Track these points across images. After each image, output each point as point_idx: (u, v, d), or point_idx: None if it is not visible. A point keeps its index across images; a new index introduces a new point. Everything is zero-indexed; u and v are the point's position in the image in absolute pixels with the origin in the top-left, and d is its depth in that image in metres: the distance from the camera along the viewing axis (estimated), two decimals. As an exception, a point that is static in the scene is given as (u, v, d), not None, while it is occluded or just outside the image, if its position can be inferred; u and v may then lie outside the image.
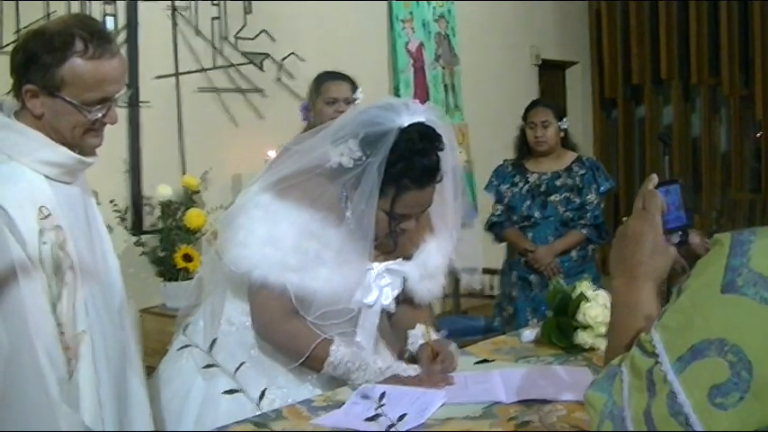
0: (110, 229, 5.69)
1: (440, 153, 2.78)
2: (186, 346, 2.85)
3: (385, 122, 2.73)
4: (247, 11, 6.72)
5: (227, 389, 1.74)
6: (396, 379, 2.72)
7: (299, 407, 2.53)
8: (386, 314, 3.09)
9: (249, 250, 2.75)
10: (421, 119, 2.77)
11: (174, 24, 6.41)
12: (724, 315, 1.35)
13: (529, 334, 3.25)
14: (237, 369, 1.54)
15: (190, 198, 6.03)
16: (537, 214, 5.81)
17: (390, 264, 2.98)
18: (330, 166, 2.76)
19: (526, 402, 2.49)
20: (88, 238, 2.59)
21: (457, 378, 2.78)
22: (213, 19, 6.60)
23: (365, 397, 2.31)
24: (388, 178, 2.72)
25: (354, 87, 5.19)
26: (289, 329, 2.79)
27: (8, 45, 5.44)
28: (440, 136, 2.79)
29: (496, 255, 6.24)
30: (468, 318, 6.93)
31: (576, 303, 3.10)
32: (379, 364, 2.77)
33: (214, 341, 1.69)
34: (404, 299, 3.09)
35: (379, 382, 2.69)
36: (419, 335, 2.99)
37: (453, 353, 2.95)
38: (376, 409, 1.52)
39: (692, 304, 1.40)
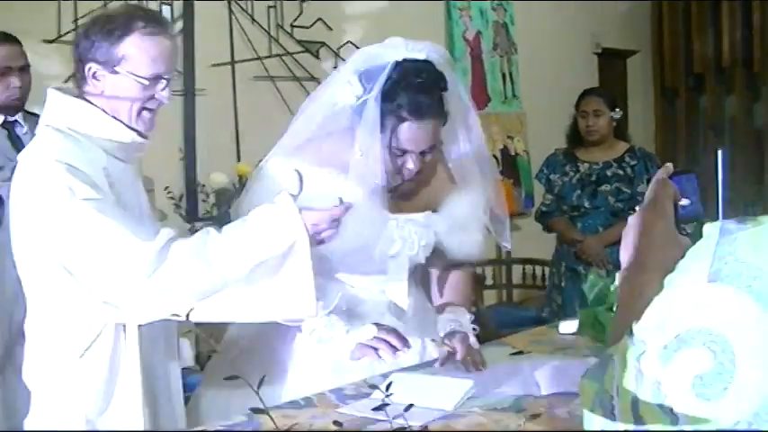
0: (164, 215, 5.84)
1: (443, 93, 2.80)
2: None
3: (383, 56, 2.78)
4: (303, -2, 6.77)
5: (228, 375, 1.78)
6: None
7: (329, 395, 2.55)
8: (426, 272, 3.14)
9: None
10: (421, 55, 2.80)
11: (230, 12, 6.46)
12: (710, 304, 1.34)
13: (568, 326, 3.24)
14: (235, 357, 1.56)
15: (244, 186, 6.07)
16: (587, 204, 5.78)
17: (414, 215, 2.99)
18: (337, 108, 2.84)
19: (556, 395, 2.48)
20: (137, 217, 2.65)
21: (488, 370, 2.78)
22: (269, 7, 6.64)
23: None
24: (386, 111, 2.74)
25: None
26: None
27: (67, 34, 5.53)
28: (441, 74, 2.80)
29: (548, 245, 6.23)
30: (518, 308, 6.94)
31: (615, 295, 3.08)
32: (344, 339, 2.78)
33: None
34: (444, 265, 3.13)
35: (405, 369, 2.74)
36: (447, 319, 2.98)
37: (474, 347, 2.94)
38: (383, 398, 1.53)
39: (679, 293, 1.40)
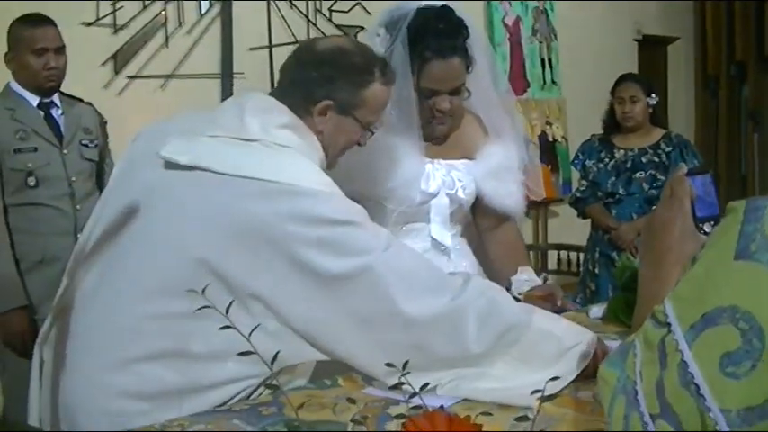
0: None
1: (466, 41, 2.94)
2: None
3: (405, 6, 2.95)
4: (342, -17, 6.76)
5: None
6: None
7: (355, 375, 2.54)
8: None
9: None
10: (440, 3, 2.97)
11: (269, -3, 6.47)
12: (736, 282, 1.33)
13: (597, 310, 3.22)
14: (252, 332, 1.56)
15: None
16: (621, 191, 5.79)
17: (451, 161, 3.12)
18: None
19: (581, 379, 2.46)
20: None
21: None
22: (307, -9, 6.65)
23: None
24: (412, 55, 2.88)
25: None
26: None
27: (104, 17, 5.57)
28: (461, 20, 2.96)
29: (583, 231, 6.22)
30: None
31: (643, 282, 3.06)
32: None
33: (231, 302, 1.72)
34: (491, 221, 3.23)
35: None
36: (523, 279, 3.08)
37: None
38: (400, 377, 1.53)
39: (706, 272, 1.39)
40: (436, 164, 3.09)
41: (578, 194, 6.03)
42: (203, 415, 2.20)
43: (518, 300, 2.91)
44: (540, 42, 8.50)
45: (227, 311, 1.67)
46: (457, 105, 3.02)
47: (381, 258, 2.25)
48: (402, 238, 3.03)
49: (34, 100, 4.39)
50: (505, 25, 8.16)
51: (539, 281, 3.14)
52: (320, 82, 2.45)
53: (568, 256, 7.18)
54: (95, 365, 2.25)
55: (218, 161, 2.27)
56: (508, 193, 3.19)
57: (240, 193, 2.22)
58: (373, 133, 2.61)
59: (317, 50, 2.51)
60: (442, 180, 3.08)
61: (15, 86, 4.40)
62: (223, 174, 2.24)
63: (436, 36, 2.89)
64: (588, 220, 6.12)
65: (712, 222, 1.75)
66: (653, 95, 5.86)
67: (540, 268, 7.10)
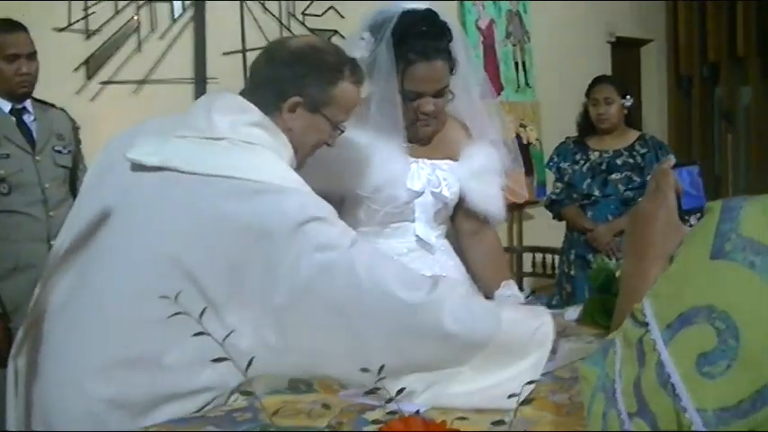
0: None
1: (449, 43, 2.97)
2: None
3: (390, 9, 2.99)
4: (315, -13, 6.74)
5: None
6: None
7: (331, 380, 2.53)
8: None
9: None
10: (424, 6, 3.01)
11: (242, 1, 6.44)
12: (713, 281, 1.33)
13: (572, 312, 3.22)
14: (226, 338, 1.55)
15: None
16: (597, 192, 5.79)
17: (436, 161, 3.15)
18: None
19: (557, 380, 2.46)
20: None
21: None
22: (281, -5, 6.63)
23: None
24: (397, 57, 2.91)
25: None
26: None
27: (76, 22, 5.53)
28: (444, 23, 3.00)
29: (558, 234, 6.22)
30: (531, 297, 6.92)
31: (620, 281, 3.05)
32: None
33: (204, 309, 1.70)
34: (473, 225, 3.27)
35: None
36: (507, 295, 3.11)
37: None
38: (375, 382, 1.52)
39: (683, 271, 1.39)
40: (421, 163, 3.12)
41: (554, 197, 6.03)
42: (178, 422, 2.18)
43: None
44: (514, 45, 8.49)
45: (200, 318, 1.66)
46: (441, 107, 3.05)
47: (348, 254, 2.24)
48: (387, 237, 3.07)
49: (6, 106, 4.37)
50: (479, 28, 8.15)
51: (521, 297, 3.16)
52: (291, 79, 2.46)
53: (544, 258, 7.18)
54: (69, 372, 2.22)
55: (185, 161, 2.27)
56: (490, 196, 3.23)
57: (208, 192, 2.21)
58: (342, 131, 2.62)
59: (289, 48, 2.52)
60: (427, 179, 3.12)
61: (-13, 93, 4.37)
62: (191, 173, 2.24)
63: (420, 38, 2.91)
64: (563, 223, 6.12)
65: (698, 215, 1.74)
66: (628, 97, 5.88)
67: (516, 271, 7.09)
